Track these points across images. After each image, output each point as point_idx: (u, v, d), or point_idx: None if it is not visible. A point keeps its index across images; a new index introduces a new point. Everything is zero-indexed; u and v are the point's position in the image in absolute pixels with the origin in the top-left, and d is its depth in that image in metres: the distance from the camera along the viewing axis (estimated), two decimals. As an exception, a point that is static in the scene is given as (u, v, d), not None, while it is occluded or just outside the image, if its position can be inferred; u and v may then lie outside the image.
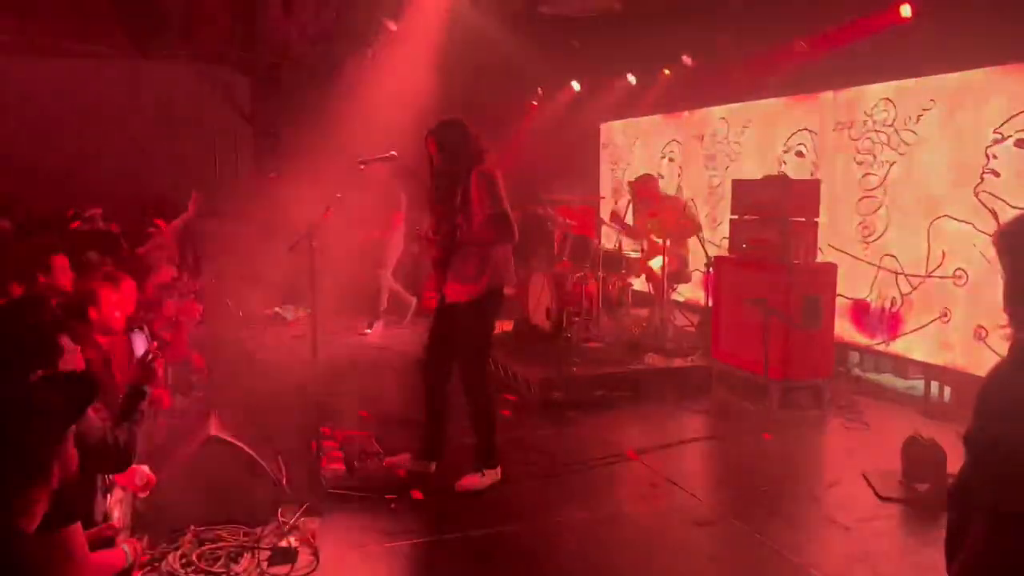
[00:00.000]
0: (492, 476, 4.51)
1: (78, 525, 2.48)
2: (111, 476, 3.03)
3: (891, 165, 6.53)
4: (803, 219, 6.02)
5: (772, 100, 7.95)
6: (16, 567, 1.96)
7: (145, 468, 3.21)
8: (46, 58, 9.41)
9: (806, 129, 7.48)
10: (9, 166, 8.76)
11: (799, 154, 7.56)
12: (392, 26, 8.32)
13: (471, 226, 4.32)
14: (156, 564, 3.38)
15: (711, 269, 6.81)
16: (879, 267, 6.64)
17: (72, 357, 2.52)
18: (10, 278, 3.99)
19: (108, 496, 2.99)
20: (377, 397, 6.20)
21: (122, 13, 8.72)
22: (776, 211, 6.02)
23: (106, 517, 2.91)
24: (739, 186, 6.63)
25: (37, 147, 9.14)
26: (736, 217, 6.50)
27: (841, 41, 6.82)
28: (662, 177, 9.24)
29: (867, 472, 4.65)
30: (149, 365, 2.97)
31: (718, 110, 8.77)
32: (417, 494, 4.37)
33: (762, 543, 3.87)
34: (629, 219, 8.19)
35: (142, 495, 3.32)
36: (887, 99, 6.56)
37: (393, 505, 4.26)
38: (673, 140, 9.66)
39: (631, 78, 9.84)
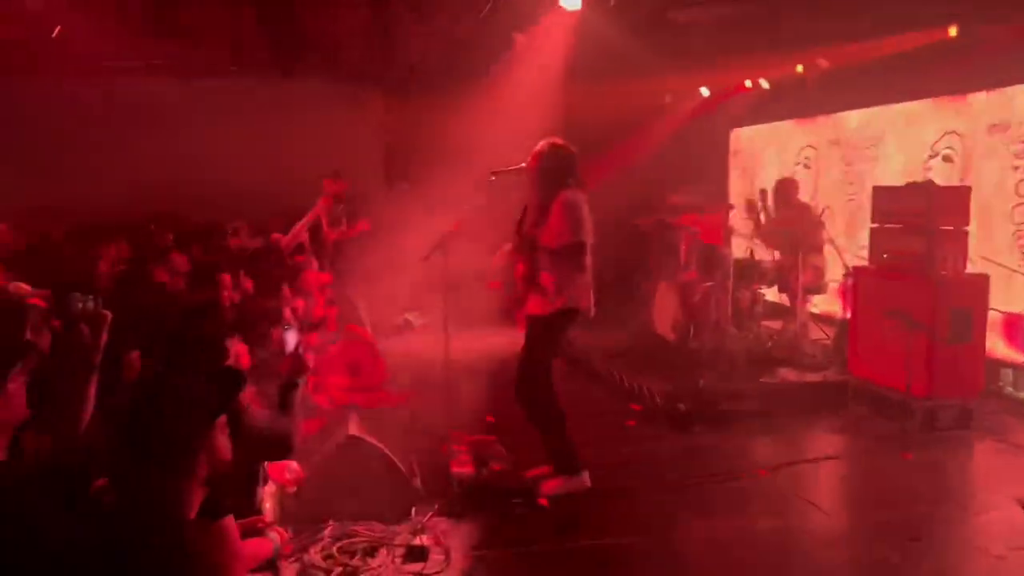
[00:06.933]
0: (575, 483, 4.51)
1: (231, 515, 2.67)
2: (266, 469, 3.26)
3: (1052, 170, 6.07)
4: (951, 228, 5.70)
5: (917, 102, 7.55)
6: (177, 554, 2.12)
7: (294, 463, 3.43)
8: (198, 80, 10.11)
9: (954, 132, 7.05)
10: (163, 182, 9.47)
11: (947, 159, 7.15)
12: (522, 39, 8.45)
13: (545, 246, 4.43)
14: (299, 555, 3.59)
15: (849, 280, 6.54)
16: (1037, 279, 6.18)
17: (235, 356, 2.73)
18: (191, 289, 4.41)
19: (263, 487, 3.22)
20: (504, 402, 6.30)
21: (268, 36, 9.28)
22: (921, 219, 5.74)
23: (259, 508, 3.13)
24: (880, 193, 6.35)
25: (186, 164, 9.80)
26: (877, 226, 6.22)
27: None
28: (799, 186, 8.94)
29: (1022, 498, 4.34)
30: (300, 359, 3.18)
31: (857, 114, 8.41)
32: (543, 500, 4.42)
33: (903, 569, 3.68)
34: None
35: (290, 489, 3.54)
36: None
37: (519, 510, 4.33)
38: (808, 146, 9.34)
39: (763, 83, 9.58)
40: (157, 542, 2.05)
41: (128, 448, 2.13)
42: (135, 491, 2.12)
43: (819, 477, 5.00)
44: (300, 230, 6.95)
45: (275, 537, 3.04)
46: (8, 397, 2.18)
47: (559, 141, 4.64)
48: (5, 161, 9.19)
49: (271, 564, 3.01)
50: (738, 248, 7.95)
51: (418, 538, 3.79)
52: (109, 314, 2.65)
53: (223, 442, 2.43)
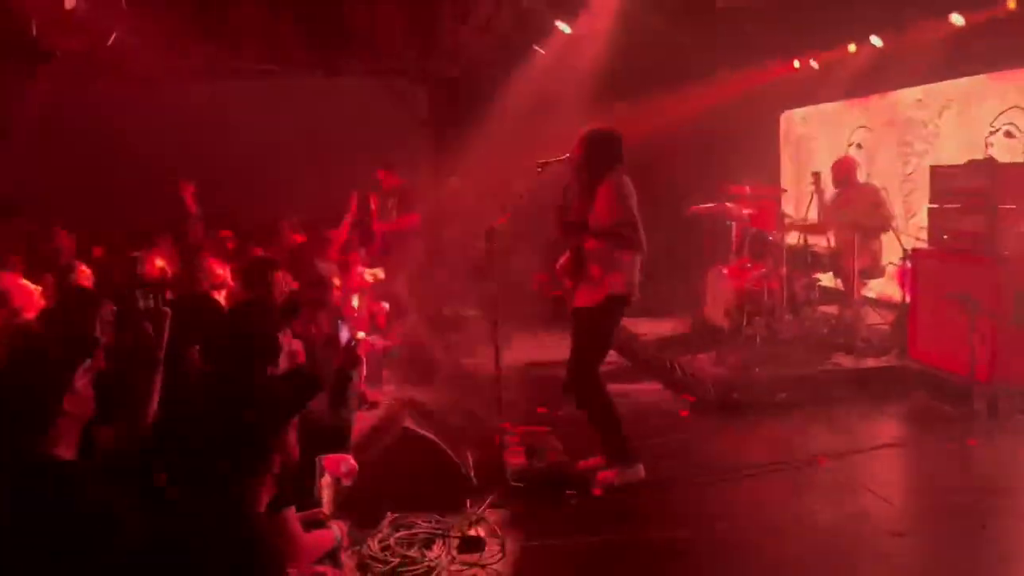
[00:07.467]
0: (629, 473, 4.47)
1: (292, 508, 2.73)
2: (322, 462, 3.32)
3: (1123, 143, 5.83)
4: (1014, 206, 5.52)
5: (975, 77, 7.30)
6: (249, 547, 2.17)
7: (349, 456, 3.48)
8: (243, 81, 10.27)
9: (1017, 107, 6.81)
10: (211, 183, 9.65)
11: (1008, 135, 6.90)
12: (565, 28, 8.41)
13: (594, 228, 4.38)
14: (357, 547, 3.64)
15: (907, 262, 6.37)
16: (1109, 258, 5.93)
17: (289, 352, 2.78)
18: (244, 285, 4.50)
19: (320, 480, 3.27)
20: (555, 393, 6.29)
21: (311, 35, 9.38)
22: (982, 198, 5.57)
23: (318, 500, 3.19)
24: (939, 172, 6.18)
25: (233, 165, 9.94)
26: (936, 206, 6.05)
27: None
28: (859, 165, 8.72)
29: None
30: (353, 351, 3.23)
31: (912, 92, 8.17)
32: (597, 491, 4.41)
33: (969, 558, 3.58)
34: (812, 214, 7.76)
35: (346, 482, 3.59)
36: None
37: (573, 501, 4.32)
38: (861, 127, 9.11)
39: (813, 63, 9.36)
40: (232, 536, 2.10)
41: (205, 446, 2.19)
42: (210, 487, 2.18)
43: (880, 465, 4.90)
44: (347, 226, 7.06)
45: (336, 529, 3.09)
46: (78, 393, 2.25)
47: (601, 125, 4.61)
48: (58, 166, 9.48)
49: (332, 555, 3.06)
50: (791, 234, 7.79)
51: (473, 529, 3.82)
52: (170, 311, 2.72)
53: (294, 439, 2.48)
